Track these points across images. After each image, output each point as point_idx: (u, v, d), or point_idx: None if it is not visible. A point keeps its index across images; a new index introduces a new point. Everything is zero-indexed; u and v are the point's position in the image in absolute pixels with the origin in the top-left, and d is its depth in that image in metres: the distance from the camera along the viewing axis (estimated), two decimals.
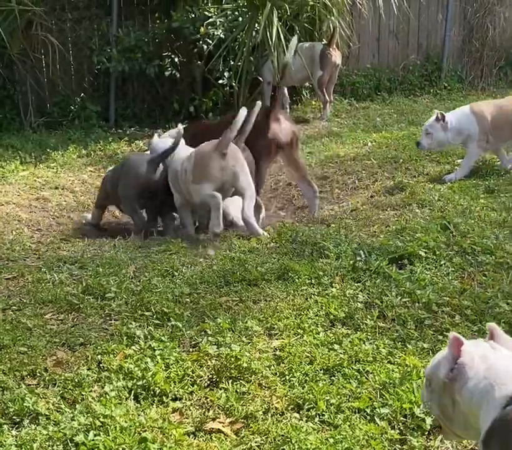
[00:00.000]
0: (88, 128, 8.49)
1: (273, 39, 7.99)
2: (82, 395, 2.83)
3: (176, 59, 8.64)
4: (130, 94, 9.20)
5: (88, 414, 2.67)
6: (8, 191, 6.22)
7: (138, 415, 2.70)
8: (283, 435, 2.59)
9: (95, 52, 8.70)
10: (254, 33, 8.38)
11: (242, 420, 2.73)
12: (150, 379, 2.91)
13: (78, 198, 6.27)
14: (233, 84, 8.48)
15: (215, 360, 3.08)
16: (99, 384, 2.92)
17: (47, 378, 2.98)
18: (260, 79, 8.99)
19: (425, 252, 4.12)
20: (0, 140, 7.87)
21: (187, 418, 2.75)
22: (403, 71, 10.82)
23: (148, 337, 3.26)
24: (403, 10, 10.05)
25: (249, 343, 3.21)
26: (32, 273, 4.15)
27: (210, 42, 8.20)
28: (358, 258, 4.05)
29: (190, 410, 2.80)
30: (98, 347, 3.18)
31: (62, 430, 2.58)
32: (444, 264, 4.03)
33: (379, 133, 7.98)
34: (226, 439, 2.62)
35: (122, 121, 8.87)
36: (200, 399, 2.88)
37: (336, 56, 9.17)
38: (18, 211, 5.82)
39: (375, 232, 4.69)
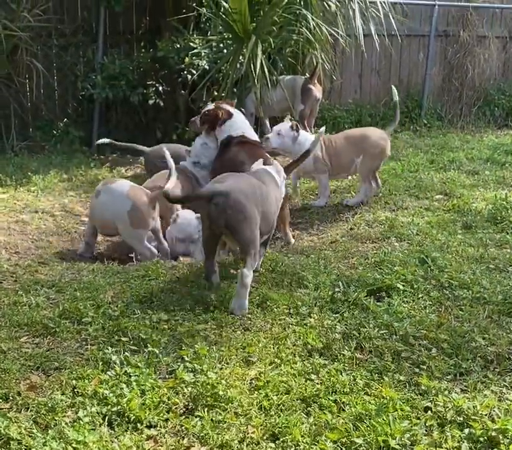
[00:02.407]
0: (70, 153, 8.48)
1: (257, 72, 8.10)
2: (55, 420, 2.79)
3: (160, 88, 8.71)
4: (114, 121, 9.23)
5: (61, 440, 2.63)
6: None
7: (112, 441, 2.66)
8: None
9: (79, 78, 8.74)
10: (238, 65, 8.47)
11: (217, 449, 2.70)
12: (125, 405, 2.88)
13: (58, 222, 6.22)
14: None
15: (191, 387, 3.06)
16: (73, 409, 2.88)
17: (19, 402, 2.94)
18: (242, 110, 9.07)
19: (403, 285, 4.16)
20: None
21: (161, 446, 2.72)
22: (384, 107, 10.97)
23: (124, 363, 3.23)
24: (385, 48, 10.25)
25: (226, 371, 3.19)
26: (9, 296, 4.10)
27: (194, 72, 8.28)
28: (337, 289, 4.08)
29: (165, 438, 2.77)
30: (73, 372, 3.15)
31: None
32: (422, 297, 4.07)
33: None
34: None
35: (104, 147, 8.86)
36: (175, 427, 2.85)
37: (317, 90, 9.30)
38: None
39: (354, 264, 4.72)
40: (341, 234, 5.74)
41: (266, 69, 8.20)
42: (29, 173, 7.39)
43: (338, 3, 8.68)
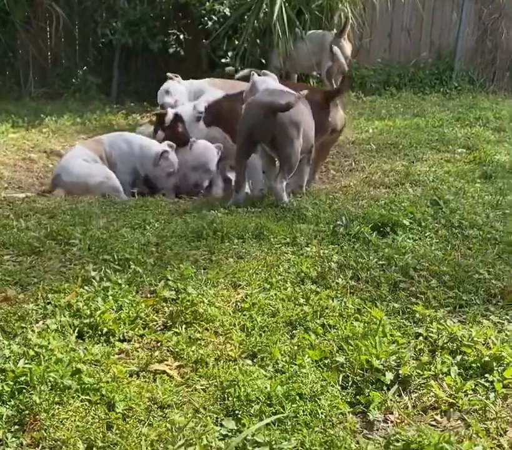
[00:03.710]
0: (87, 100, 8.34)
1: (279, 22, 7.84)
2: (23, 328, 2.65)
3: (181, 36, 8.48)
4: (133, 70, 9.05)
5: (25, 345, 2.49)
6: None
7: (78, 349, 2.51)
8: (231, 380, 2.39)
9: (100, 24, 8.56)
10: (262, 14, 8.22)
11: (191, 365, 2.54)
12: (98, 317, 2.73)
13: None
14: (237, 65, 8.30)
15: (172, 305, 2.90)
16: (44, 320, 2.74)
17: None
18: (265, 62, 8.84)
19: (410, 223, 3.94)
20: None
21: (132, 359, 2.56)
22: (413, 68, 10.64)
23: (104, 279, 3.08)
24: (416, 7, 9.90)
25: (210, 291, 3.02)
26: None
27: (216, 19, 8.04)
28: (339, 222, 3.87)
29: (138, 352, 2.62)
30: (50, 286, 3.00)
31: None
32: (429, 235, 3.85)
33: (382, 121, 7.80)
34: (170, 380, 2.43)
35: (124, 96, 8.71)
36: (149, 342, 2.69)
37: (347, 47, 8.99)
38: (1, 169, 5.65)
39: (363, 205, 4.50)
40: (355, 181, 5.52)
41: (291, 20, 7.96)
42: (42, 115, 7.25)
43: None
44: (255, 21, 8.05)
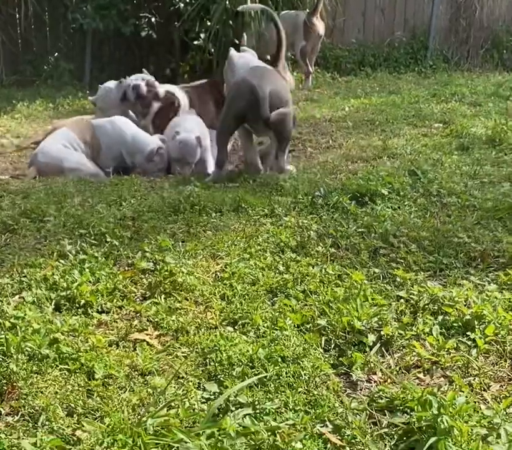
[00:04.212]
0: (59, 86, 8.22)
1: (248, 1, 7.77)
2: None
3: (153, 19, 8.38)
4: (106, 55, 8.95)
5: (0, 318, 2.44)
6: None
7: (55, 320, 2.47)
8: (212, 346, 2.36)
9: (70, 9, 8.42)
10: None
11: (171, 333, 2.51)
12: (75, 290, 2.68)
13: None
14: (210, 47, 8.22)
15: (150, 276, 2.86)
16: (20, 294, 2.69)
17: None
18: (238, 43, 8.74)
19: (389, 192, 3.93)
20: None
21: (111, 329, 2.53)
22: (388, 48, 10.62)
23: (80, 252, 3.03)
24: None
25: (189, 262, 2.99)
26: None
27: (187, 1, 7.95)
28: (317, 193, 3.84)
29: (116, 323, 2.58)
30: (25, 261, 2.95)
31: None
32: (408, 204, 3.84)
33: (358, 99, 7.78)
34: (151, 349, 2.39)
35: (97, 82, 8.57)
36: (128, 313, 2.65)
37: (320, 26, 8.92)
38: None
39: (341, 179, 4.48)
40: (332, 156, 5.49)
41: (257, 1, 7.89)
42: (14, 101, 7.15)
43: None
44: (227, 1, 7.96)
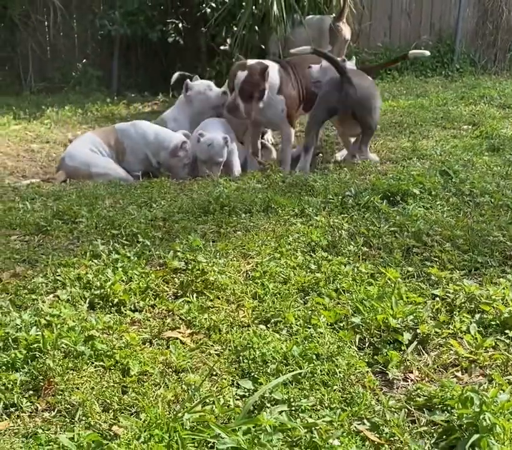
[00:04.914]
0: (88, 92, 8.30)
1: (277, 8, 7.76)
2: (34, 300, 2.61)
3: (180, 25, 8.42)
4: (133, 61, 9.01)
5: (36, 315, 2.45)
6: None
7: (90, 318, 2.47)
8: (245, 344, 2.35)
9: (98, 16, 8.50)
10: (260, 0, 8.14)
11: (204, 332, 2.50)
12: (109, 289, 2.69)
13: None
14: (236, 52, 8.24)
15: (182, 275, 2.86)
16: (55, 293, 2.70)
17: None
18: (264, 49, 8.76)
19: (420, 192, 3.89)
20: None
21: (145, 328, 2.52)
22: None
23: (113, 252, 3.04)
24: None
25: (220, 261, 2.98)
26: (5, 203, 3.94)
27: (214, 5, 7.98)
28: (347, 193, 3.82)
29: (149, 321, 2.57)
30: (59, 260, 2.96)
31: (3, 329, 2.35)
32: (440, 203, 3.79)
33: (386, 102, 7.73)
34: (184, 346, 2.39)
35: (124, 88, 8.68)
36: (161, 312, 2.65)
37: (346, 31, 8.90)
38: (4, 159, 5.62)
39: (371, 179, 4.44)
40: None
41: (283, 5, 7.89)
42: (43, 107, 7.22)
43: None
44: (253, 7, 7.98)
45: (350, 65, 5.34)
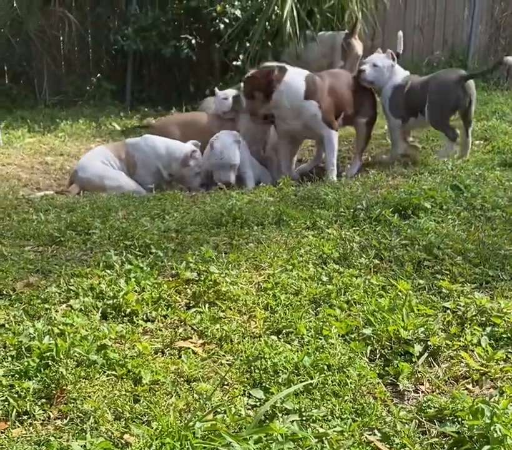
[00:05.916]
0: (101, 106, 8.38)
1: (290, 24, 7.82)
2: (47, 309, 2.64)
3: (193, 41, 8.50)
4: (147, 76, 9.09)
5: (49, 324, 2.47)
6: (11, 154, 6.10)
7: (102, 327, 2.49)
8: (257, 354, 2.36)
9: (112, 31, 8.60)
10: (272, 15, 8.21)
11: (216, 342, 2.51)
12: (121, 299, 2.71)
13: None
14: (249, 67, 8.31)
15: (194, 286, 2.88)
16: (68, 302, 2.73)
17: (13, 297, 2.79)
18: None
19: (432, 206, 3.90)
20: (12, 114, 7.79)
21: (157, 338, 2.54)
22: (427, 67, 10.58)
23: (126, 263, 3.06)
24: (428, 4, 9.86)
25: (232, 272, 3.00)
26: (19, 214, 3.98)
27: (227, 21, 8.06)
28: (359, 206, 3.84)
29: (162, 331, 2.59)
30: (72, 270, 2.99)
31: (17, 338, 2.38)
32: (451, 217, 3.80)
33: None
34: (195, 356, 2.40)
35: (137, 102, 8.75)
36: (173, 322, 2.67)
37: (358, 46, 8.95)
38: (19, 172, 5.69)
39: (382, 193, 4.46)
40: (372, 172, 5.47)
41: (297, 22, 7.95)
42: (58, 120, 7.29)
43: None
44: (266, 23, 8.05)
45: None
